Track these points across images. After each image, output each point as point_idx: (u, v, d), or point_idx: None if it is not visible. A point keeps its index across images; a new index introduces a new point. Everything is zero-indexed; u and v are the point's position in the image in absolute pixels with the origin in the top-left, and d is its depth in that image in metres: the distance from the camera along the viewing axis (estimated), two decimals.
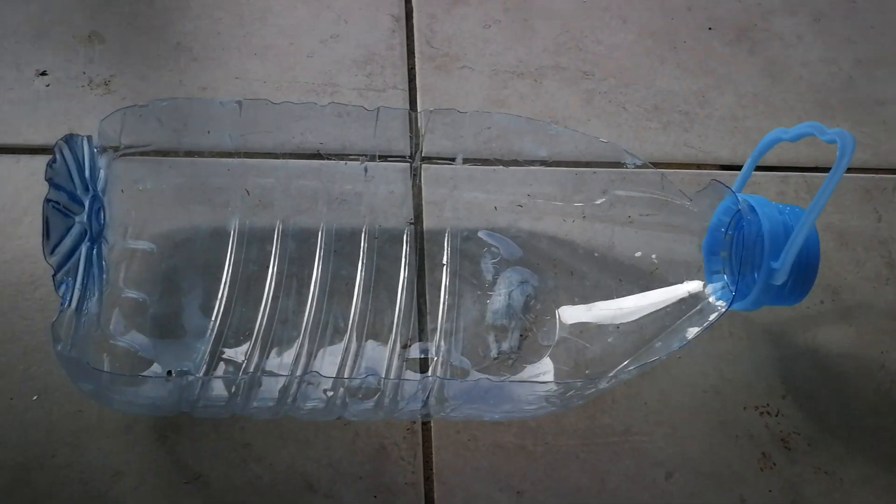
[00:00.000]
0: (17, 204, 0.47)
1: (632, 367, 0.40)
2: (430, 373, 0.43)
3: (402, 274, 0.46)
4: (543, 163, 0.48)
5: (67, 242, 0.36)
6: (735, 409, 0.44)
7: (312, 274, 0.45)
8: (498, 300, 0.46)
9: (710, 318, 0.40)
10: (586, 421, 0.43)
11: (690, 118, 0.56)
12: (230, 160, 0.46)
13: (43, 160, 0.48)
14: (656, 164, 0.53)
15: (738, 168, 0.52)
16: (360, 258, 0.46)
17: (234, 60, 0.55)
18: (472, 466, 0.41)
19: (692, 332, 0.40)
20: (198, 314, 0.43)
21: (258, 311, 0.43)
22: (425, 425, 0.42)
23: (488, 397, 0.37)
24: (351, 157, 0.48)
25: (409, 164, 0.49)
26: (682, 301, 0.43)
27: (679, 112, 0.56)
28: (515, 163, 0.48)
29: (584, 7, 0.61)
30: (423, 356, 0.43)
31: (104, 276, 0.40)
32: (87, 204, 0.38)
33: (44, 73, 0.53)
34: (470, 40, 0.58)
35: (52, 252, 0.34)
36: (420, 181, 0.49)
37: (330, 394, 0.37)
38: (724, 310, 0.40)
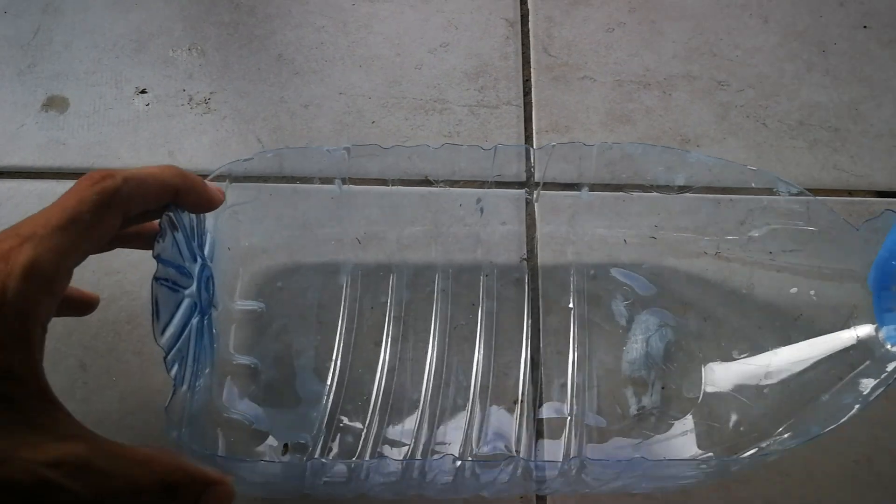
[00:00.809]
0: None
1: (801, 427, 0.35)
2: (563, 437, 0.39)
3: (525, 322, 0.42)
4: (680, 188, 0.43)
5: (177, 320, 0.34)
6: (891, 483, 0.39)
7: (430, 328, 0.42)
8: (635, 348, 0.41)
9: (889, 368, 0.34)
10: (720, 493, 0.39)
11: (841, 135, 0.49)
12: (335, 190, 0.43)
13: None
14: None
15: None
16: (480, 303, 0.42)
17: (338, 73, 0.51)
18: None
19: (868, 384, 0.35)
20: (312, 378, 0.40)
21: (375, 371, 0.40)
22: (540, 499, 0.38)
23: (641, 474, 0.33)
24: (461, 183, 0.45)
25: (524, 192, 0.45)
26: (850, 349, 0.37)
27: (828, 128, 0.50)
28: (641, 187, 0.44)
29: (720, 5, 0.55)
30: (556, 416, 0.39)
31: (214, 345, 0.38)
32: (195, 274, 0.36)
33: (143, 92, 0.50)
34: (591, 46, 0.53)
35: (162, 332, 0.32)
36: (534, 210, 0.45)
37: (458, 464, 0.33)
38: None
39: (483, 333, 0.41)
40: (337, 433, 0.38)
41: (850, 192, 0.47)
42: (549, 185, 0.44)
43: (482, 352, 0.41)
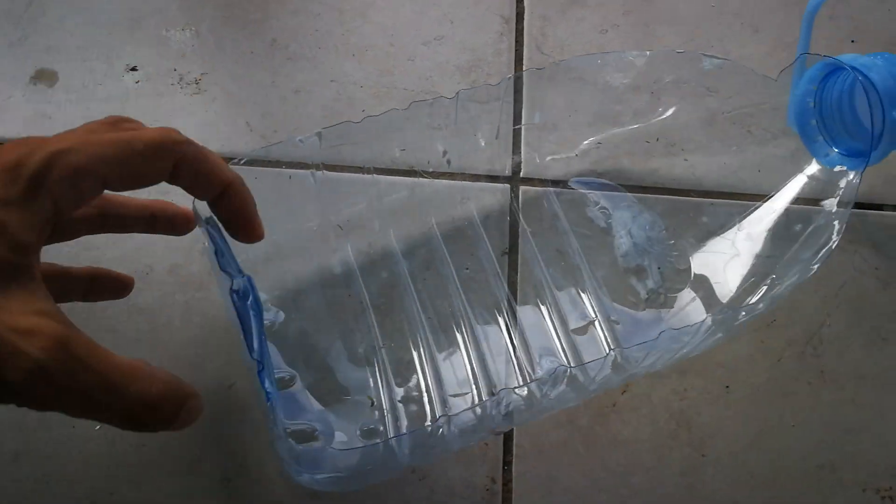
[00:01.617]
0: None
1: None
2: (598, 337, 0.42)
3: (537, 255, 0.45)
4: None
5: (255, 328, 0.32)
6: (853, 490, 0.39)
7: (444, 282, 0.43)
8: (622, 243, 0.45)
9: (842, 184, 0.41)
10: (684, 492, 0.39)
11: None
12: (312, 175, 0.43)
13: None
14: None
15: (876, 207, 0.48)
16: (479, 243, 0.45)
17: (331, 61, 0.52)
18: None
19: (832, 204, 0.41)
20: (351, 368, 0.40)
21: (406, 338, 0.41)
22: (506, 486, 0.39)
23: (670, 343, 0.36)
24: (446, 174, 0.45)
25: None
26: (808, 187, 0.44)
27: None
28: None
29: (713, 12, 0.55)
30: (585, 322, 0.42)
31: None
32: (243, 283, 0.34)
33: (134, 69, 0.50)
34: (584, 47, 0.53)
35: (251, 348, 0.30)
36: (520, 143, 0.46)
37: (525, 392, 0.34)
38: (853, 172, 0.41)
39: (491, 275, 0.43)
40: (400, 406, 0.39)
41: (818, 202, 0.48)
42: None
43: (502, 288, 0.43)
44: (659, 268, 0.44)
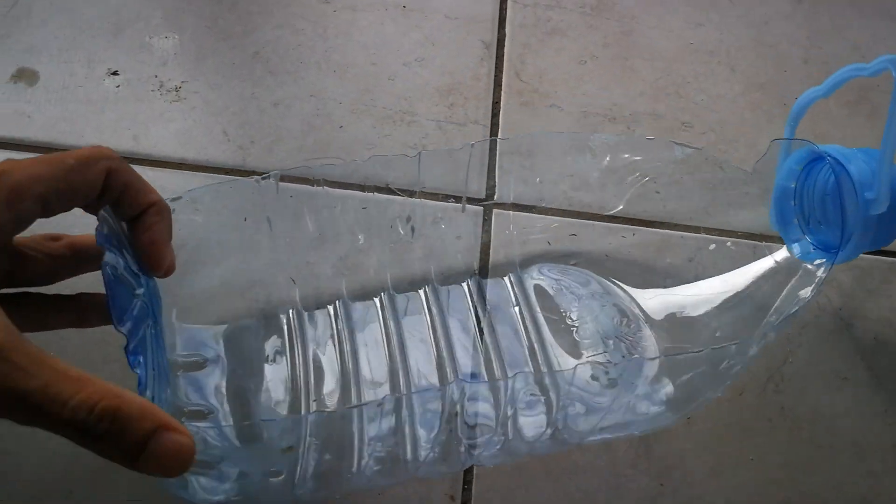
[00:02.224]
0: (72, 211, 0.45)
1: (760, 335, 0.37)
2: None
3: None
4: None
5: (132, 317, 0.31)
6: None
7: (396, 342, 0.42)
8: (586, 328, 0.43)
9: (802, 279, 0.39)
10: None
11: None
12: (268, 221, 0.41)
13: None
14: (749, 235, 0.49)
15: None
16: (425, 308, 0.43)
17: (312, 76, 0.52)
18: None
19: (788, 296, 0.39)
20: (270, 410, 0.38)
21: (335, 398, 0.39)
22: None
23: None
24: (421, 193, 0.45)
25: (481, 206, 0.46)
26: (775, 271, 0.42)
27: None
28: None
29: (691, 50, 0.56)
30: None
31: (167, 381, 0.35)
32: (142, 280, 0.33)
33: (115, 73, 0.51)
34: (562, 77, 0.54)
35: (121, 321, 0.30)
36: (490, 226, 0.46)
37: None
38: (820, 265, 0.39)
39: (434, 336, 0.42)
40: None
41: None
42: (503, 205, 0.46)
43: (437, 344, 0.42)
44: (623, 354, 0.42)
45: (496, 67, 0.54)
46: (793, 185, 0.42)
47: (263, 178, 0.39)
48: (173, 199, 0.36)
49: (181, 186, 0.46)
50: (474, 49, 0.55)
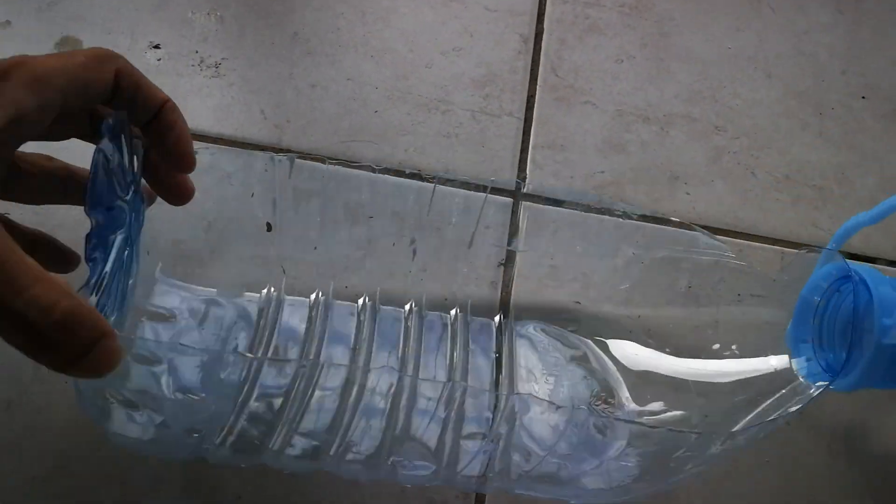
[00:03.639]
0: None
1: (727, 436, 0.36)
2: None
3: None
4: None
5: (108, 215, 0.30)
6: None
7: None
8: (559, 392, 0.41)
9: (798, 399, 0.36)
10: None
11: (824, 195, 0.51)
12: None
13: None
14: (777, 241, 0.49)
15: (870, 260, 0.48)
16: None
17: (349, 60, 0.52)
18: None
19: (777, 412, 0.36)
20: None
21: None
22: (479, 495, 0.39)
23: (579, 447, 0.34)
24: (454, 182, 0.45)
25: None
26: (767, 377, 0.39)
27: (813, 186, 0.51)
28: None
29: (728, 55, 0.56)
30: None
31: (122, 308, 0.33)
32: (129, 196, 0.32)
33: (157, 47, 0.51)
34: (598, 74, 0.54)
35: (93, 207, 0.28)
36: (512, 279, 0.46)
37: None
38: (818, 387, 0.35)
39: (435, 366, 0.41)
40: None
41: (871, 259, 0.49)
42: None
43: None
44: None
45: (533, 61, 0.54)
46: (816, 301, 0.39)
47: (280, 158, 0.39)
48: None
49: (217, 161, 0.47)
50: (512, 42, 0.55)
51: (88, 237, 0.28)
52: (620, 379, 0.42)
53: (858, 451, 0.42)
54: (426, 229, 0.42)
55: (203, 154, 0.36)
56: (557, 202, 0.44)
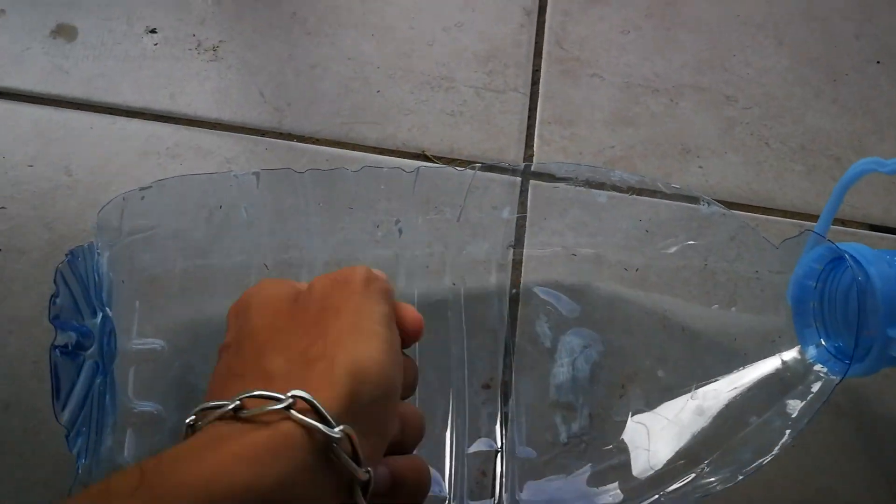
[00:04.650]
0: (105, 169, 0.45)
1: (733, 455, 0.35)
2: (497, 473, 0.37)
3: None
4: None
5: (79, 387, 0.30)
6: None
7: None
8: (561, 372, 0.39)
9: (815, 389, 0.34)
10: None
11: (842, 164, 0.49)
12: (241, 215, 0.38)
13: (140, 125, 0.46)
14: (794, 214, 0.47)
15: (891, 231, 0.47)
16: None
17: (350, 39, 0.51)
18: None
19: (795, 406, 0.34)
20: None
21: None
22: None
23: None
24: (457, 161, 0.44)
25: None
26: (779, 374, 0.37)
27: (829, 156, 0.50)
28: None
29: (737, 22, 0.55)
30: (486, 449, 0.37)
31: (115, 397, 0.33)
32: (96, 331, 0.32)
33: (153, 31, 0.50)
34: (604, 45, 0.53)
35: (63, 406, 0.29)
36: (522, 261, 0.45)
37: None
38: (831, 377, 0.34)
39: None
40: None
41: (844, 223, 0.47)
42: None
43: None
44: (590, 413, 0.38)
45: (537, 34, 0.53)
46: (813, 285, 0.38)
47: (243, 175, 0.37)
48: (143, 188, 0.35)
49: (217, 146, 0.46)
50: (515, 15, 0.53)
51: (66, 436, 0.29)
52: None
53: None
54: (413, 210, 0.40)
55: (154, 188, 0.36)
56: (565, 179, 0.43)
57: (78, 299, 0.31)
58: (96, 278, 0.32)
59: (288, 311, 0.28)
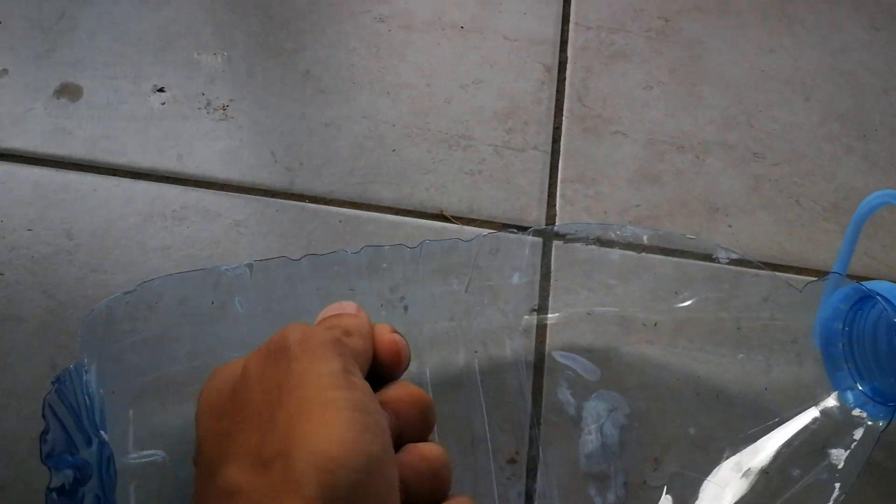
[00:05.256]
0: (108, 233, 0.43)
1: None
2: None
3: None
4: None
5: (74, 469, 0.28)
6: None
7: None
8: (590, 440, 0.37)
9: (857, 436, 0.33)
10: None
11: (875, 223, 0.47)
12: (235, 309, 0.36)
13: (145, 186, 0.44)
14: (828, 273, 0.45)
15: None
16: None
17: (365, 97, 0.50)
18: None
19: (840, 456, 0.33)
20: None
21: None
22: None
23: None
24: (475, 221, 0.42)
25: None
26: (818, 424, 0.35)
27: None
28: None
29: (763, 77, 0.53)
30: None
31: None
32: (93, 460, 0.29)
33: (161, 90, 0.49)
34: (627, 102, 0.51)
35: (49, 458, 0.27)
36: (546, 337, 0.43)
37: None
38: (873, 422, 0.33)
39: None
40: None
41: None
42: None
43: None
44: (625, 481, 0.37)
45: (557, 91, 0.51)
46: (840, 326, 0.37)
47: (235, 268, 0.35)
48: (127, 293, 0.33)
49: (225, 208, 0.44)
50: (535, 72, 0.52)
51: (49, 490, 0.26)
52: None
53: None
54: (418, 285, 0.38)
55: (139, 292, 0.34)
56: (591, 241, 0.41)
57: (70, 430, 0.29)
58: (87, 401, 0.30)
59: (229, 407, 0.24)
